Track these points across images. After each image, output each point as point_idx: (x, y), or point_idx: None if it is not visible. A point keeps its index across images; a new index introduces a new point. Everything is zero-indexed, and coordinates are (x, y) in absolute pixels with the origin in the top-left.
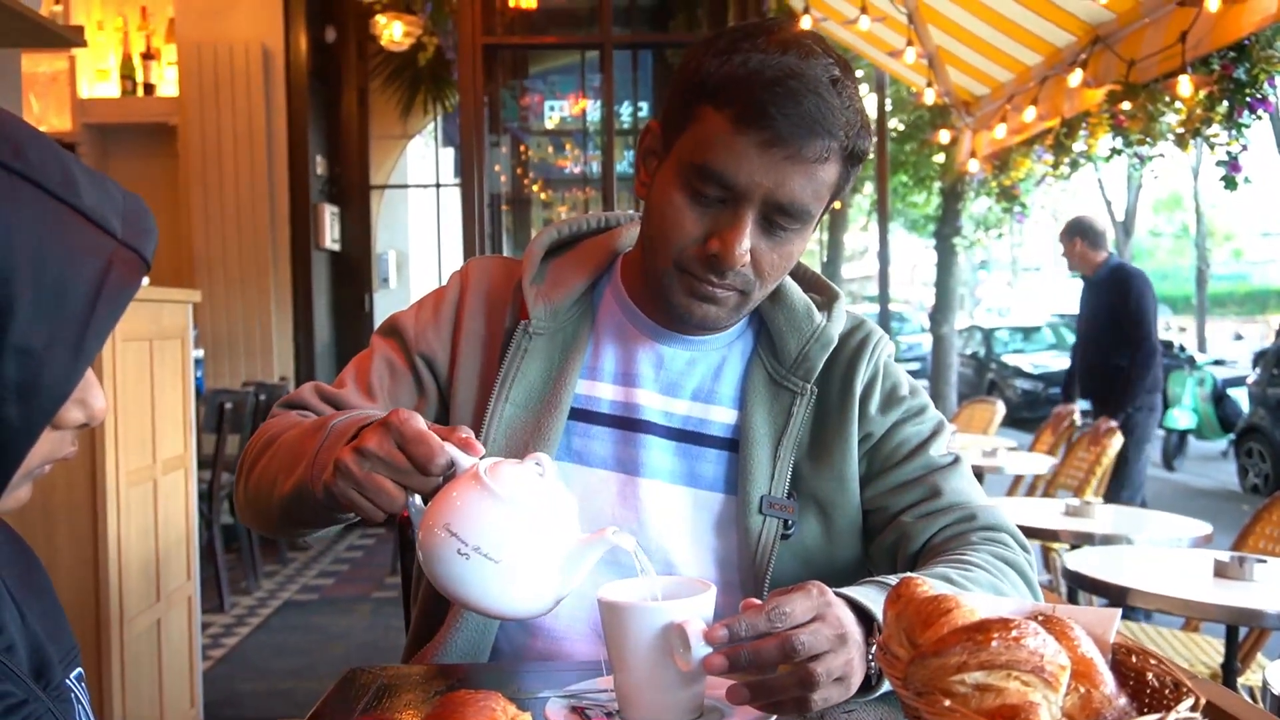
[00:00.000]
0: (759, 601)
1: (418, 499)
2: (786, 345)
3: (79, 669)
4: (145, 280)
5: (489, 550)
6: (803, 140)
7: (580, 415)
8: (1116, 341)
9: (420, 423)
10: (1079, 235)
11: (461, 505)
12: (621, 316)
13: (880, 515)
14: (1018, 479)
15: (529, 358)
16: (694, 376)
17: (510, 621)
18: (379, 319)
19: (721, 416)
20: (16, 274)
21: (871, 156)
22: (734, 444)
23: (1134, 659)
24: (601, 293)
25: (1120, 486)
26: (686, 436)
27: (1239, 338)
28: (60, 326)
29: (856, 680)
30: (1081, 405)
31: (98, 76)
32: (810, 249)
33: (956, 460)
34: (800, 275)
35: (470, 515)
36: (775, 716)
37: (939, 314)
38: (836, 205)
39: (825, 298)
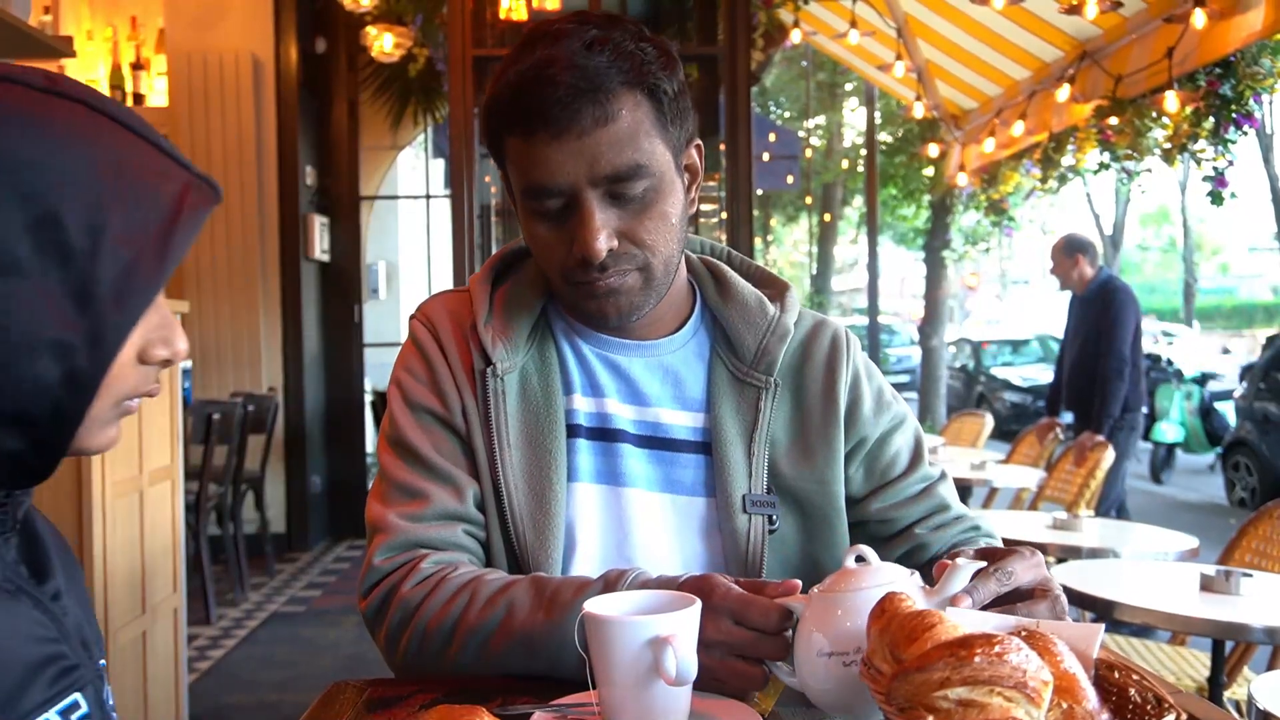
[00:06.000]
0: (969, 563)
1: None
2: (744, 341)
3: (104, 659)
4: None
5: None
6: (578, 115)
7: (566, 431)
8: (1102, 355)
9: (737, 588)
10: (1080, 251)
11: (824, 626)
12: (573, 334)
13: (888, 526)
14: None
15: (508, 398)
16: (653, 383)
17: None
18: (368, 330)
19: (689, 420)
20: (109, 190)
21: (860, 170)
22: (706, 446)
23: (1116, 674)
24: (551, 314)
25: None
26: (657, 443)
27: (1226, 351)
28: (147, 238)
29: None
30: (1066, 419)
31: None
32: (800, 261)
33: (944, 472)
34: (748, 273)
35: (836, 629)
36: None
37: (928, 327)
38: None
39: (775, 290)
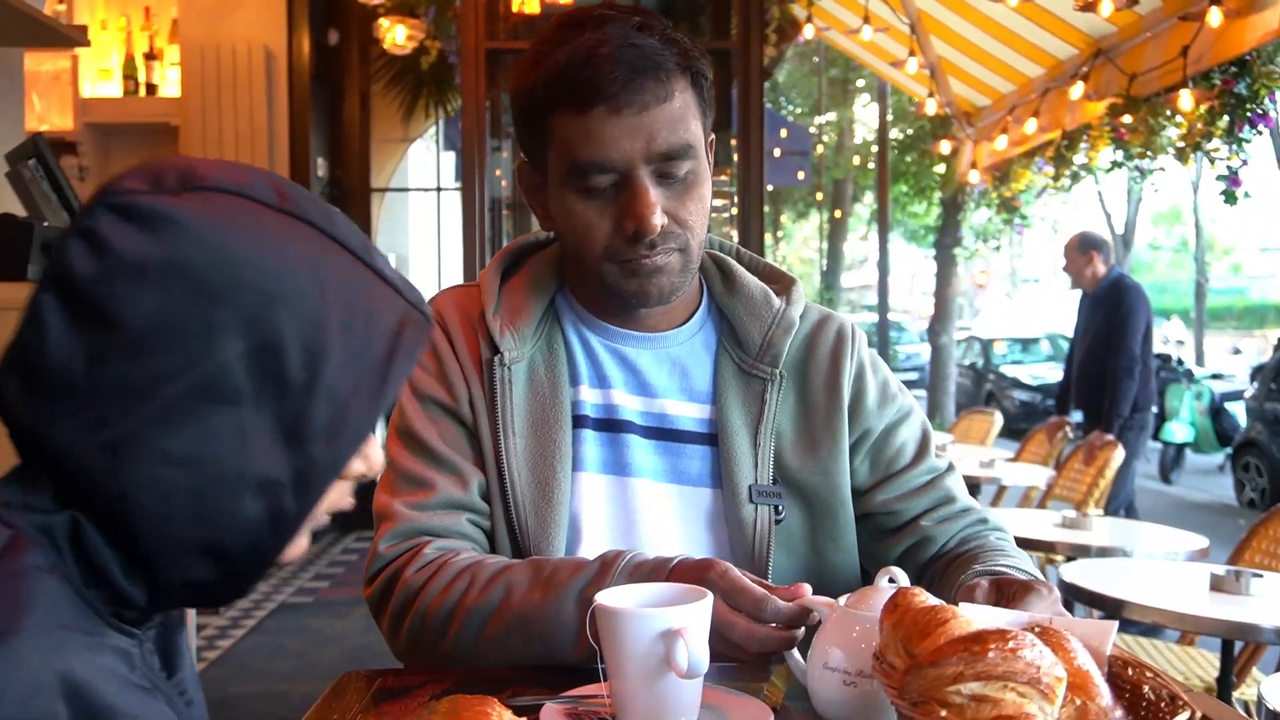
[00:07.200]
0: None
1: (796, 654)
2: (750, 334)
3: None
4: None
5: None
6: (639, 89)
7: (572, 421)
8: (1112, 353)
9: (736, 571)
10: (1095, 249)
11: (840, 642)
12: (581, 325)
13: (894, 518)
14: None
15: (514, 387)
16: (660, 375)
17: None
18: None
19: (696, 412)
20: (330, 322)
21: (872, 166)
22: (713, 438)
23: (1130, 671)
24: (560, 306)
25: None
26: (665, 434)
27: (1237, 352)
28: (364, 374)
29: None
30: (1075, 417)
31: (100, 76)
32: (810, 257)
33: (951, 464)
34: (755, 268)
35: (850, 648)
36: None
37: (938, 324)
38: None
39: (782, 285)
